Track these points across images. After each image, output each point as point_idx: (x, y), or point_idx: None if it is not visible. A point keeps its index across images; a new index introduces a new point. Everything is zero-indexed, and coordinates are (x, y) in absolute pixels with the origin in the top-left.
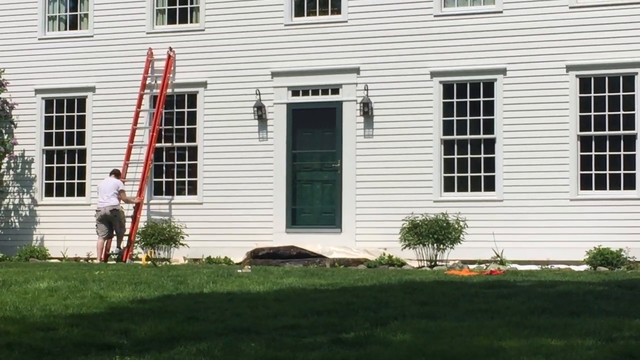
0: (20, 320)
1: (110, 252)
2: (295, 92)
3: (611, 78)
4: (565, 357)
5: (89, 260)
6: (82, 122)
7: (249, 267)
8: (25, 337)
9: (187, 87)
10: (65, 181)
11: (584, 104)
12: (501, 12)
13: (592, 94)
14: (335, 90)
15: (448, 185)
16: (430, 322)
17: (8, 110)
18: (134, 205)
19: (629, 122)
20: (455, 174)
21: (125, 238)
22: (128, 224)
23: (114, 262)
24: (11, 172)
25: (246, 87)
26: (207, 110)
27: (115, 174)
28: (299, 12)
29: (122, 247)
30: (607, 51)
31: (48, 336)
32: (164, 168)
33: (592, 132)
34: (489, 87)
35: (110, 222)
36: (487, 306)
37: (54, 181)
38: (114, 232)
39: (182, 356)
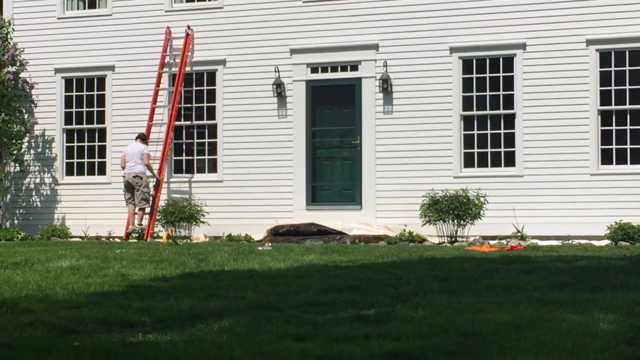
0: (43, 298)
1: (130, 229)
2: (314, 69)
3: (632, 52)
4: (586, 332)
5: (110, 239)
6: (101, 101)
7: (270, 244)
8: (48, 315)
9: (206, 65)
10: (85, 160)
11: (605, 79)
12: None
13: (613, 68)
14: (354, 67)
15: (468, 161)
16: (451, 298)
17: (28, 90)
18: (154, 181)
19: None
20: (475, 150)
21: (146, 217)
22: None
23: (135, 240)
24: (32, 151)
25: (265, 64)
26: (227, 88)
27: (141, 138)
28: None
29: (142, 224)
30: (628, 25)
31: (71, 314)
32: (184, 146)
33: (613, 107)
34: (509, 62)
35: (134, 188)
36: (508, 282)
37: (75, 160)
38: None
39: (203, 333)
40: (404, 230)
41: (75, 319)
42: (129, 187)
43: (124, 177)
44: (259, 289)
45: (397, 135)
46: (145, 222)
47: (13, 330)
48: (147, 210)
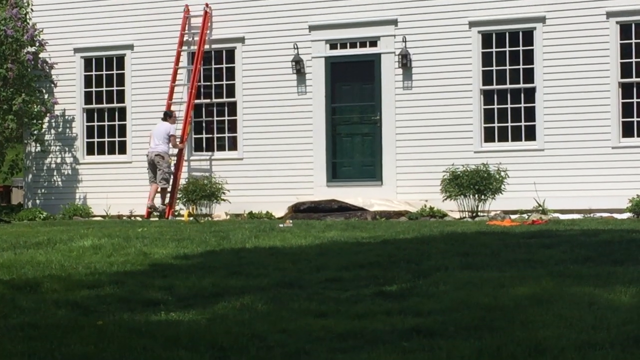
0: (65, 278)
1: (149, 205)
2: (333, 46)
3: None
4: (608, 306)
5: (132, 218)
6: (121, 80)
7: (291, 221)
8: (72, 294)
9: (224, 42)
10: (106, 139)
11: (625, 51)
12: None
13: (634, 40)
14: (373, 43)
15: (488, 136)
16: (473, 273)
17: (48, 70)
18: (175, 161)
19: None
20: (496, 124)
21: (168, 195)
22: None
23: (157, 219)
24: (52, 131)
25: (284, 41)
26: (245, 66)
27: (167, 116)
28: None
29: (164, 204)
30: None
31: (93, 293)
32: (204, 124)
33: (634, 79)
34: (529, 36)
35: (155, 166)
36: (530, 256)
37: (95, 140)
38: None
39: (226, 311)
40: (425, 206)
41: (98, 298)
42: (152, 166)
43: (147, 155)
44: (280, 266)
45: (417, 111)
46: (167, 201)
47: (37, 310)
48: (168, 189)
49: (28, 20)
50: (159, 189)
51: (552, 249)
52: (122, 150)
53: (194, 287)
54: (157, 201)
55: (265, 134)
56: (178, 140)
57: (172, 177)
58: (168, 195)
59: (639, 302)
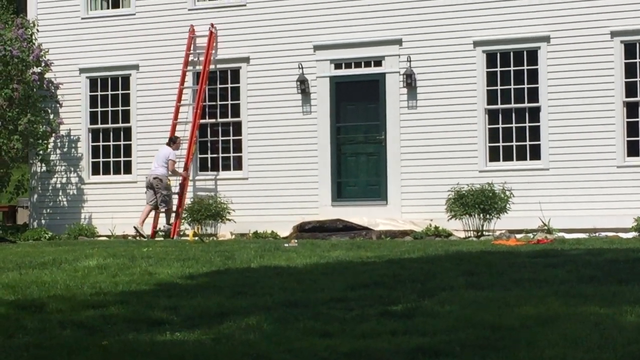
0: (71, 298)
1: (157, 229)
2: (337, 65)
3: None
4: (613, 325)
5: (137, 237)
6: (126, 100)
7: (296, 241)
8: (77, 314)
9: (229, 62)
10: (111, 159)
11: (629, 70)
12: None
13: (638, 60)
14: (378, 62)
15: (493, 155)
16: (478, 293)
17: (53, 90)
18: (180, 181)
19: None
20: (500, 144)
21: (173, 214)
22: (175, 201)
23: (162, 238)
24: (58, 151)
25: (289, 61)
26: (250, 86)
27: (172, 141)
28: None
29: (170, 224)
30: None
31: (99, 313)
32: (209, 144)
33: (639, 98)
34: (533, 55)
35: (154, 190)
36: (535, 275)
37: (101, 159)
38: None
39: (231, 331)
40: (430, 225)
41: (103, 318)
42: (151, 188)
43: (146, 177)
44: (285, 285)
45: (422, 130)
46: (172, 220)
47: (42, 330)
48: (173, 209)
49: (34, 41)
50: (159, 211)
51: (558, 268)
52: (128, 170)
53: (199, 307)
54: (162, 221)
55: (270, 154)
56: (178, 167)
57: (171, 198)
58: (173, 214)
59: None
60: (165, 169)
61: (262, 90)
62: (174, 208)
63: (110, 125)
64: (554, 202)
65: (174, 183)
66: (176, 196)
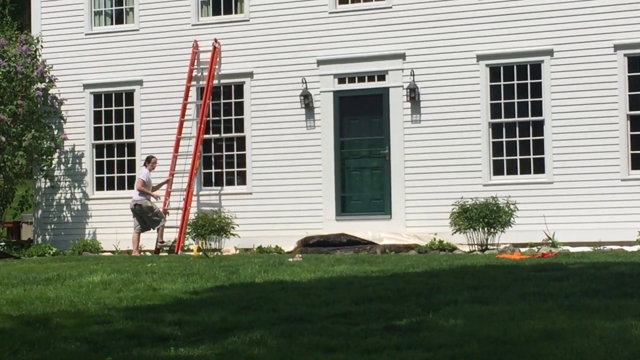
0: (75, 314)
1: (160, 245)
2: (341, 80)
3: None
4: (619, 339)
5: (141, 253)
6: (130, 115)
7: (300, 255)
8: (81, 330)
9: (233, 77)
10: (115, 175)
11: (633, 83)
12: None
13: None
14: (382, 77)
15: (497, 169)
16: (483, 307)
17: (57, 106)
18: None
19: None
20: (504, 157)
21: (171, 230)
22: (179, 215)
23: (166, 253)
24: (62, 167)
25: (292, 76)
26: (254, 100)
27: (147, 160)
28: None
29: (162, 241)
30: None
31: (103, 329)
32: (213, 159)
33: None
34: (536, 69)
35: (140, 215)
36: (540, 289)
37: (105, 175)
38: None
39: (236, 346)
40: (434, 239)
41: (107, 334)
42: (135, 214)
43: (129, 204)
44: (290, 300)
45: (426, 144)
46: (167, 237)
47: (47, 346)
48: (162, 223)
49: (38, 57)
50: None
51: (562, 282)
52: (131, 185)
53: (204, 322)
54: (167, 237)
55: (274, 169)
56: (146, 187)
57: (160, 215)
58: (174, 229)
59: None
60: (142, 195)
61: (266, 105)
62: (162, 223)
63: (114, 140)
64: (559, 216)
65: (178, 198)
66: (180, 211)
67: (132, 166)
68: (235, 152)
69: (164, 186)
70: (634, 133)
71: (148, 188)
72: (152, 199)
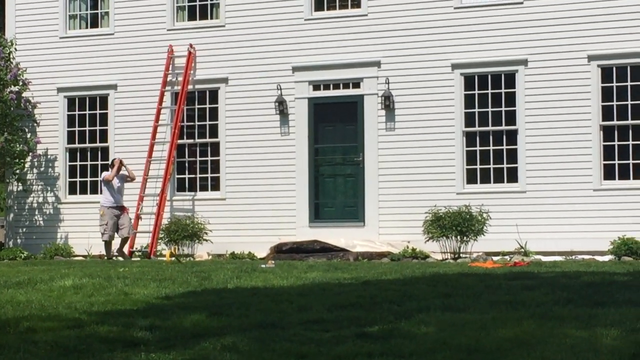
0: (46, 318)
1: (134, 248)
2: (316, 87)
3: (634, 67)
4: (590, 348)
5: (113, 258)
6: (104, 120)
7: (273, 262)
8: (52, 334)
9: (208, 83)
10: (88, 179)
11: (606, 94)
12: (522, 2)
13: (614, 84)
14: (357, 84)
15: (470, 177)
16: (455, 315)
17: (31, 109)
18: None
19: None
20: (478, 166)
21: (144, 235)
22: (152, 220)
23: (138, 258)
24: (35, 170)
25: (267, 82)
26: (229, 106)
27: (110, 166)
28: (318, 6)
29: (121, 251)
30: (630, 40)
31: (74, 334)
32: (187, 164)
33: (615, 122)
34: (511, 79)
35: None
36: (511, 298)
37: (78, 179)
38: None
39: (207, 352)
40: (407, 247)
41: (78, 338)
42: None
43: None
44: (262, 306)
45: (400, 152)
46: (138, 242)
47: (16, 350)
48: (105, 238)
49: (12, 60)
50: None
51: (534, 290)
52: None
53: (175, 328)
54: (142, 241)
55: (248, 175)
56: (108, 175)
57: (107, 228)
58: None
59: (621, 345)
60: (103, 197)
61: (241, 111)
62: (105, 238)
63: (87, 145)
64: (531, 225)
65: (152, 203)
66: (152, 216)
67: (105, 170)
68: (209, 158)
69: (125, 172)
70: (607, 143)
71: (110, 185)
72: (108, 211)
